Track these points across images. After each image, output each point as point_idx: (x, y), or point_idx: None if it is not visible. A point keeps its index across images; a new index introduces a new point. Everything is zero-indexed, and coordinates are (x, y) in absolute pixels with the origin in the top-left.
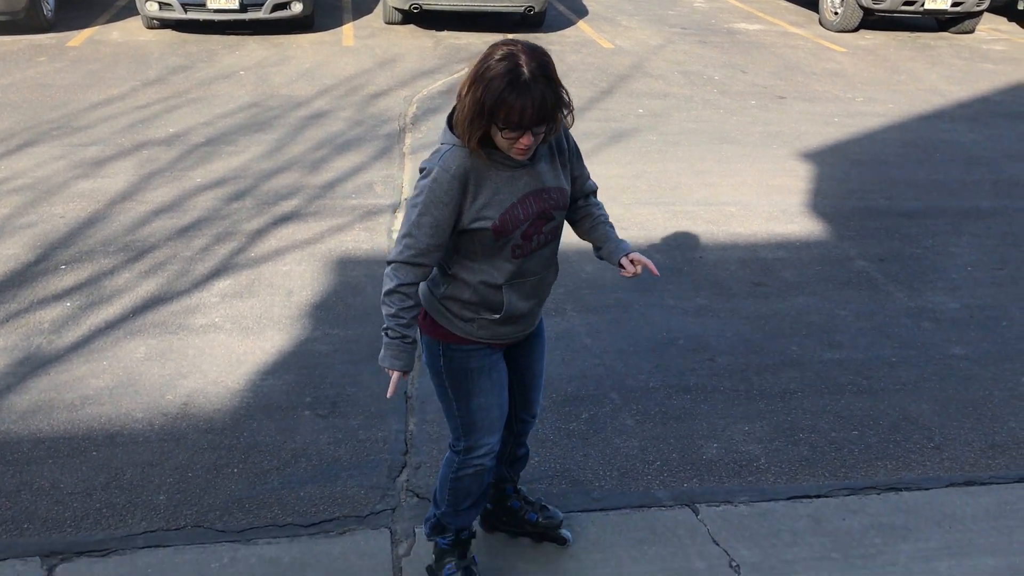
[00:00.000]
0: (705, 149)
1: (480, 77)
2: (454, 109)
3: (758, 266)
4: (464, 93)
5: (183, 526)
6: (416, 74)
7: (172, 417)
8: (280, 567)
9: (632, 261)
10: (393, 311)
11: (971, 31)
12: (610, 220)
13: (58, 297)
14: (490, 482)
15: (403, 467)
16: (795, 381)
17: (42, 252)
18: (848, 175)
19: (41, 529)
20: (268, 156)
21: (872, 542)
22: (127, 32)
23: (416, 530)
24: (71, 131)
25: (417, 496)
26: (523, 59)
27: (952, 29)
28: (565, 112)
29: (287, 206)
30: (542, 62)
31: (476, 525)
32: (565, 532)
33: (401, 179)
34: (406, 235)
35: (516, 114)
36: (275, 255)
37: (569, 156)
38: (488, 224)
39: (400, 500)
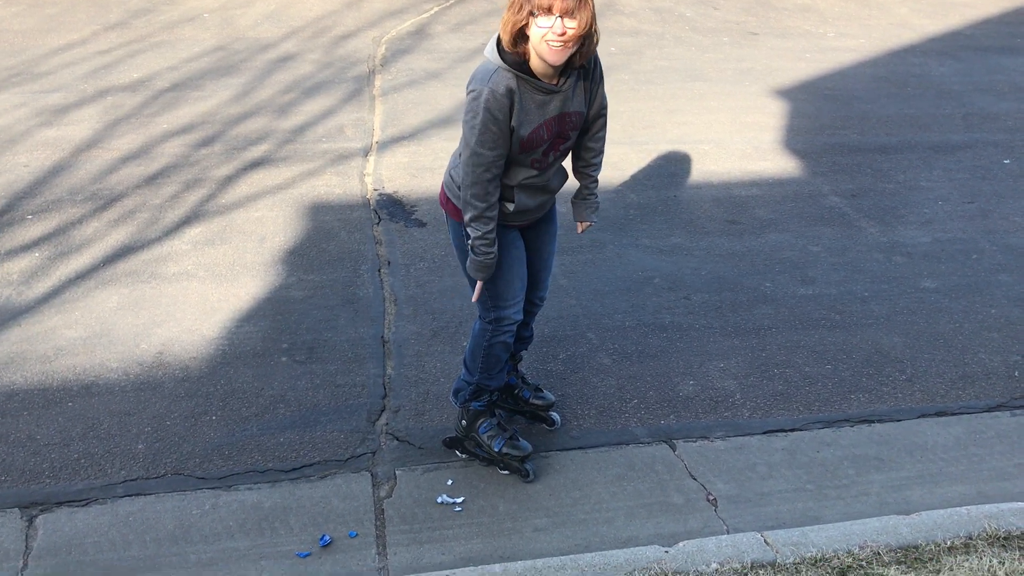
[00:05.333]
0: (677, 87)
1: None
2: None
3: (732, 204)
4: None
5: (163, 474)
6: (384, 15)
7: (147, 366)
8: (262, 512)
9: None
10: (479, 234)
11: None
12: (597, 175)
13: (26, 248)
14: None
15: (382, 411)
16: (769, 317)
17: (7, 202)
18: (820, 111)
19: (19, 480)
20: (236, 101)
21: (846, 473)
22: None
23: (397, 472)
24: (31, 78)
25: (397, 439)
26: None
27: None
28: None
29: (257, 151)
30: None
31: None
32: (554, 415)
33: (372, 122)
34: (472, 155)
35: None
36: (246, 201)
37: (595, 81)
38: (518, 140)
39: (380, 443)
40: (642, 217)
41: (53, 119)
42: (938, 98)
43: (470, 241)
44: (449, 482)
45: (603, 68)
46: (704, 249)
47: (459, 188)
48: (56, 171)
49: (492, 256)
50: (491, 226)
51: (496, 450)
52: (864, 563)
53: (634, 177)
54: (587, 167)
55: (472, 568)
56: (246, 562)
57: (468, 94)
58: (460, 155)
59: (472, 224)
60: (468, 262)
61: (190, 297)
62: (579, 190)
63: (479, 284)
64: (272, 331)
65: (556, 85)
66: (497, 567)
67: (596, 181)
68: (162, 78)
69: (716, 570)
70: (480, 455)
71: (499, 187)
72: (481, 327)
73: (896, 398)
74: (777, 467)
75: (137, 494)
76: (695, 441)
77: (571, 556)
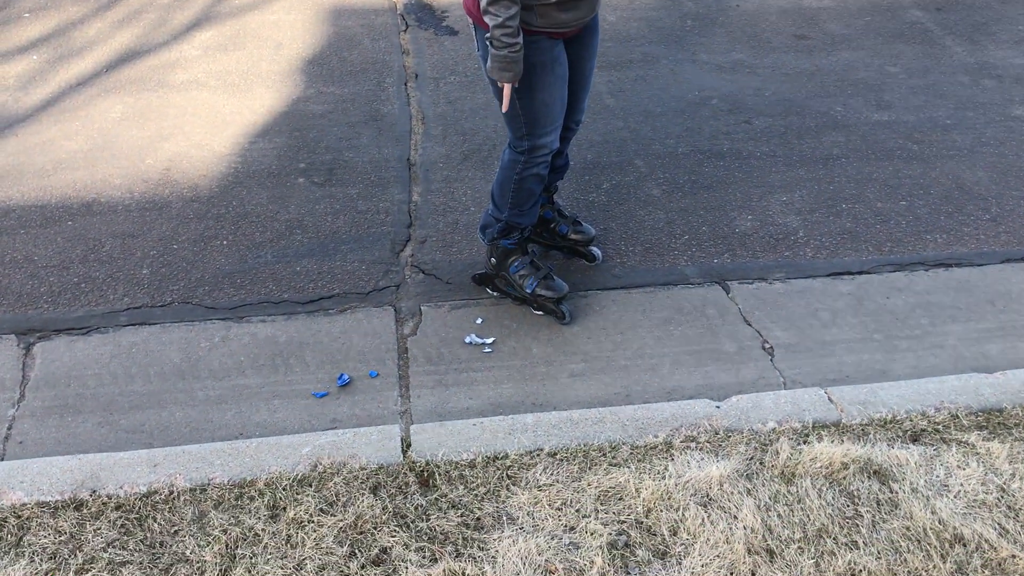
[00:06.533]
0: None
1: None
2: None
3: (800, 16)
4: None
5: (169, 302)
6: None
7: (153, 183)
8: (276, 347)
9: None
10: (500, 20)
11: None
12: None
13: (23, 49)
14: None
15: (407, 241)
16: (839, 146)
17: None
18: None
19: (15, 305)
20: None
21: (918, 323)
22: None
23: (422, 308)
24: None
25: (423, 272)
26: None
27: None
28: None
29: None
30: None
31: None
32: (595, 250)
33: None
34: None
35: None
36: (261, 3)
37: None
38: None
39: (405, 276)
40: (699, 29)
41: None
42: None
43: (488, 33)
44: (478, 321)
45: None
46: (768, 67)
47: None
48: None
49: (516, 49)
50: (514, 11)
51: (528, 291)
52: (941, 427)
53: None
54: None
55: (501, 418)
56: (257, 400)
57: None
58: None
59: (491, 8)
60: (489, 60)
61: (200, 108)
62: None
63: (507, 90)
64: (289, 149)
65: None
66: (529, 417)
67: None
68: None
69: (773, 429)
70: (512, 294)
71: None
72: (511, 157)
73: (978, 240)
74: (842, 314)
75: (141, 323)
76: (751, 283)
77: (611, 408)
